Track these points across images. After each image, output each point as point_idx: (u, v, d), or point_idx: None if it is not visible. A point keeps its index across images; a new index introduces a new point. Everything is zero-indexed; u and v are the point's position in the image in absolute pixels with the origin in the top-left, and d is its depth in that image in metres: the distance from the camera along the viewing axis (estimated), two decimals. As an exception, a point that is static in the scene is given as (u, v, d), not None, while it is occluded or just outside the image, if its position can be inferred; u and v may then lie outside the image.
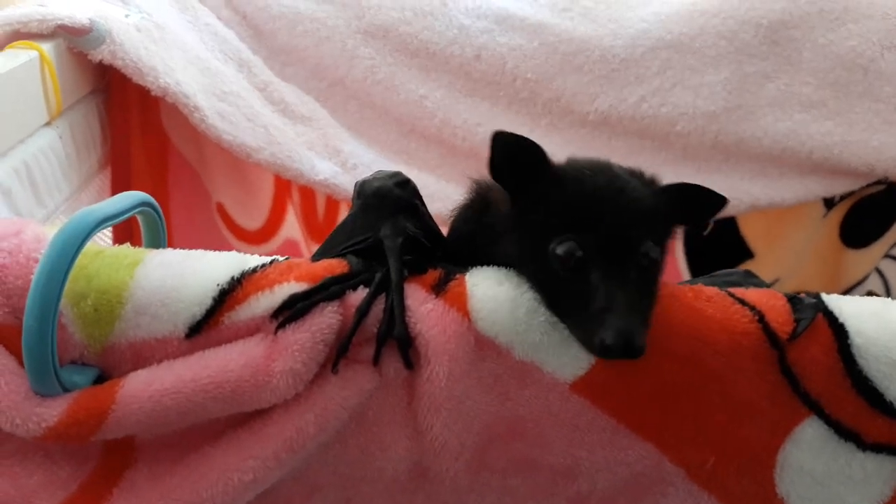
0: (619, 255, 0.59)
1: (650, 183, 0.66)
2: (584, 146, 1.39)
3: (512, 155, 0.62)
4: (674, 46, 1.33)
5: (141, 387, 0.58)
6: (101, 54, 1.17)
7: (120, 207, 0.61)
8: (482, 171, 0.72)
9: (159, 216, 0.69)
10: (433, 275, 0.63)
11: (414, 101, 1.40)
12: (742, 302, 0.62)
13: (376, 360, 0.60)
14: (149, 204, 0.67)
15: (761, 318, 0.62)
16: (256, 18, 1.42)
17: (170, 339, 0.60)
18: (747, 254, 1.45)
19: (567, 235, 0.60)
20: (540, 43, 1.35)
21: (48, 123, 1.13)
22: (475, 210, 0.71)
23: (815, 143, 1.32)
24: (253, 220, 1.51)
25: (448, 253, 0.69)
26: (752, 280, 0.72)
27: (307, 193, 1.45)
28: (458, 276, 0.63)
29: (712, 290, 0.64)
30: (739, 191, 1.37)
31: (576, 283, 0.60)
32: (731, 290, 0.64)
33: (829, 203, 1.41)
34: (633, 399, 0.62)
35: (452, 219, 0.74)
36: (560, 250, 0.60)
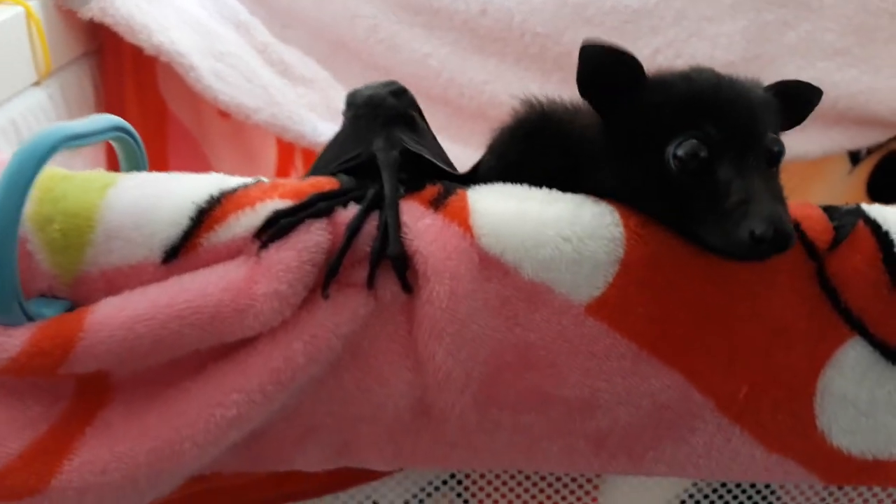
0: (746, 148, 0.55)
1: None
2: None
3: (606, 69, 0.58)
4: (688, -5, 1.27)
5: (112, 313, 0.52)
6: (91, 11, 1.13)
7: (90, 128, 0.56)
8: (490, 132, 0.67)
9: (138, 144, 0.64)
10: (431, 189, 0.58)
11: (418, 60, 1.36)
12: (776, 213, 0.56)
13: (370, 283, 0.54)
14: (125, 129, 0.62)
15: (797, 227, 0.56)
16: (255, -22, 1.38)
17: (145, 265, 0.55)
18: None
19: (686, 135, 0.55)
20: (549, -5, 1.31)
21: (37, 83, 1.09)
22: (527, 133, 0.64)
23: (840, 91, 1.27)
24: (256, 188, 1.47)
25: (477, 182, 0.63)
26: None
27: (310, 160, 1.40)
28: (458, 190, 0.58)
29: (741, 198, 0.58)
30: None
31: (702, 186, 0.55)
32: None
33: (856, 158, 1.38)
34: (655, 321, 0.56)
35: (491, 142, 0.67)
36: (681, 151, 0.55)
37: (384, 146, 0.60)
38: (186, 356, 0.55)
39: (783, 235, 0.51)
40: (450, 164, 0.66)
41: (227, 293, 0.52)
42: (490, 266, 0.55)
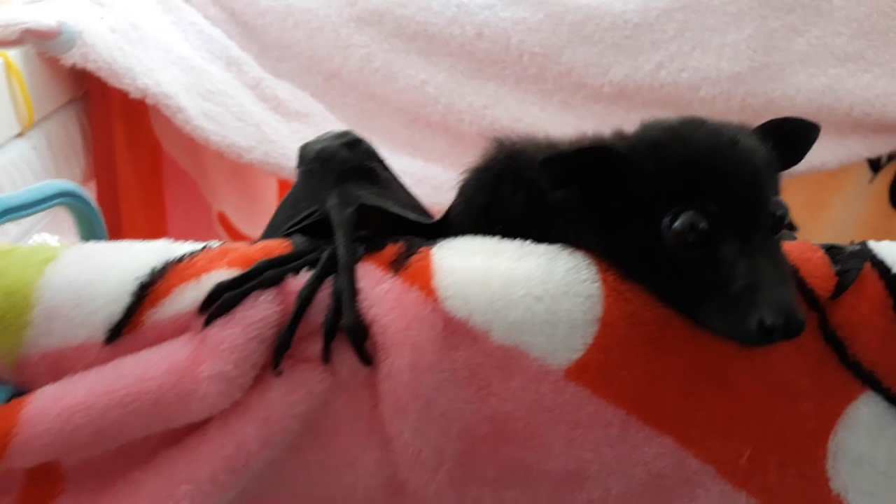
0: (750, 222, 0.50)
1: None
2: (601, 122, 1.30)
3: (571, 176, 0.53)
4: (690, 6, 1.25)
5: (48, 404, 0.49)
6: (73, 58, 1.11)
7: (30, 198, 0.53)
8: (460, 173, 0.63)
9: (90, 209, 0.60)
10: (392, 249, 0.53)
11: (415, 88, 1.34)
12: (769, 258, 0.51)
13: (326, 357, 0.50)
14: (73, 194, 0.58)
15: (794, 273, 0.51)
16: (245, 14, 1.37)
17: (88, 346, 0.51)
18: (787, 226, 1.35)
19: (682, 206, 0.50)
20: (545, 14, 1.28)
21: (20, 134, 1.07)
22: (495, 175, 0.59)
23: (854, 97, 1.23)
24: (257, 228, 1.44)
25: (449, 228, 0.59)
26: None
27: (311, 195, 1.37)
28: (422, 248, 0.53)
29: (733, 247, 0.53)
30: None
31: (701, 264, 0.50)
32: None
33: (876, 166, 1.34)
34: (643, 384, 0.51)
35: (461, 184, 0.62)
36: (678, 225, 0.50)
37: (337, 204, 0.56)
38: (138, 442, 0.51)
39: (795, 324, 0.46)
40: (423, 212, 0.62)
41: (170, 376, 0.48)
42: (456, 332, 0.50)
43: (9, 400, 0.52)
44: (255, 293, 0.50)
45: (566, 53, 1.28)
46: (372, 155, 0.60)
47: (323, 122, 1.33)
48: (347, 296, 0.50)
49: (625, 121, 1.36)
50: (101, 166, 1.25)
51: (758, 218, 0.50)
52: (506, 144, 0.60)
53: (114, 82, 1.13)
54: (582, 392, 0.51)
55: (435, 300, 0.50)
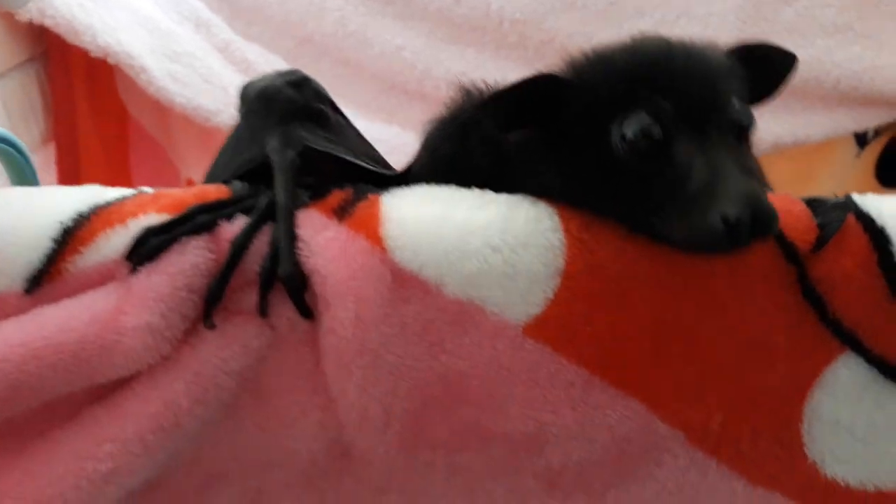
0: (706, 120, 0.47)
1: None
2: None
3: (519, 110, 0.50)
4: (675, -27, 1.21)
5: (-43, 356, 0.44)
6: (29, 13, 1.06)
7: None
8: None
9: (23, 156, 0.56)
10: (338, 196, 0.49)
11: (391, 54, 1.30)
12: (747, 206, 0.48)
13: (262, 310, 0.46)
14: (5, 139, 0.54)
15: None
16: (216, -25, 1.31)
17: (6, 296, 0.47)
18: None
19: (630, 110, 0.47)
20: (526, -21, 1.25)
21: (-27, 93, 1.02)
22: (461, 125, 0.56)
23: (842, 70, 1.20)
24: (228, 194, 1.40)
25: (409, 181, 0.55)
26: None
27: (282, 162, 1.33)
28: (370, 195, 0.49)
29: (707, 195, 0.49)
30: (760, 130, 1.24)
31: (658, 171, 0.47)
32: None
33: (862, 140, 1.32)
34: (607, 342, 0.47)
35: (425, 135, 0.59)
36: (629, 131, 0.47)
37: (278, 146, 0.51)
38: (59, 400, 0.47)
39: (764, 216, 0.43)
40: (381, 163, 0.58)
41: (92, 327, 0.44)
42: (406, 284, 0.46)
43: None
44: (184, 239, 0.46)
45: (548, 20, 1.24)
46: (322, 96, 0.56)
47: (295, 87, 1.29)
48: (285, 243, 0.46)
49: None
50: (62, 128, 1.20)
51: (716, 115, 0.47)
52: (473, 93, 0.56)
53: (73, 40, 1.09)
54: (542, 350, 0.47)
55: (383, 249, 0.46)
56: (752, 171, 0.49)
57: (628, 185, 0.47)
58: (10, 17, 1.07)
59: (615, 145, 0.47)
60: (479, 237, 0.47)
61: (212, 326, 0.46)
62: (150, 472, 0.48)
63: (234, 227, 0.47)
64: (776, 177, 1.34)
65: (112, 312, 0.45)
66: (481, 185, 0.52)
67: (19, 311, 0.47)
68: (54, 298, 0.47)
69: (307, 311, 0.47)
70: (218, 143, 1.37)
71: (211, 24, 1.28)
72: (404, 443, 0.49)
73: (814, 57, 1.21)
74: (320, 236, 0.46)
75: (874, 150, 1.29)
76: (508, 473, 0.51)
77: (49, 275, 0.47)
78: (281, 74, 0.56)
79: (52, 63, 1.18)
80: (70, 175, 1.17)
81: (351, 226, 0.47)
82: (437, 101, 1.38)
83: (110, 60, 1.11)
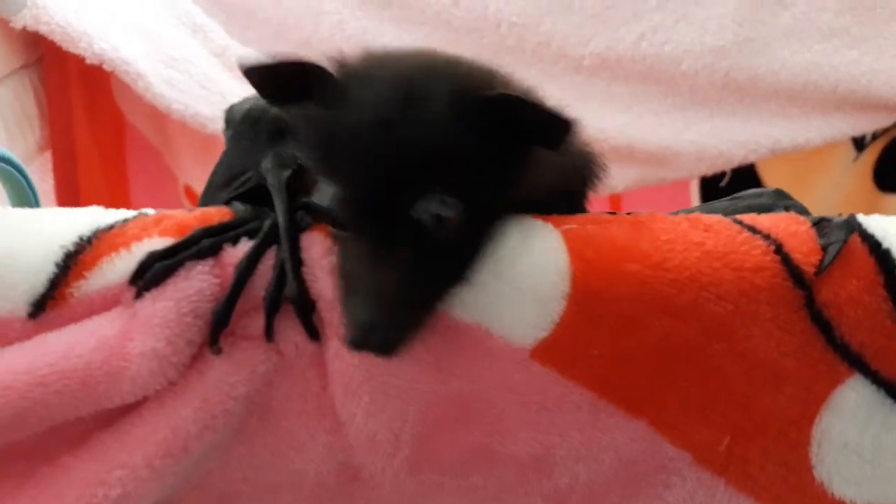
0: (373, 214, 0.43)
1: (468, 94, 0.44)
2: (582, 94, 1.29)
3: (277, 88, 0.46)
4: (673, -24, 1.21)
5: (-39, 383, 0.44)
6: (24, 20, 1.06)
7: (-52, 159, 0.48)
8: None
9: (22, 174, 0.55)
10: (341, 218, 0.49)
11: (389, 57, 1.28)
12: (752, 230, 0.48)
13: (268, 334, 0.46)
14: (2, 158, 0.53)
15: (779, 249, 0.47)
16: (212, -22, 1.31)
17: (10, 321, 0.47)
18: (799, 209, 1.35)
19: (331, 179, 0.44)
20: (524, -18, 1.24)
21: (-32, 101, 1.01)
22: None
23: (840, 74, 1.21)
24: (225, 202, 1.40)
25: None
26: (785, 202, 0.57)
27: (280, 168, 1.33)
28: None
29: (713, 218, 0.49)
30: (758, 134, 1.28)
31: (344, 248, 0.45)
32: (741, 216, 0.49)
33: (860, 144, 1.33)
34: (615, 365, 0.47)
35: None
36: (323, 202, 0.45)
37: (272, 167, 0.51)
38: (66, 424, 0.47)
39: (373, 349, 0.42)
40: None
41: (98, 353, 0.44)
42: (415, 309, 0.46)
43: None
44: (189, 264, 0.45)
45: (546, 23, 1.24)
46: None
47: (292, 93, 1.29)
48: (290, 265, 0.45)
49: (606, 93, 1.34)
50: (58, 136, 1.20)
51: (388, 215, 0.42)
52: None
53: (68, 47, 1.08)
54: (548, 373, 0.47)
55: (390, 275, 0.46)
56: (422, 283, 0.43)
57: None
58: (3, 24, 1.06)
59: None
60: (486, 262, 0.46)
61: (218, 352, 0.46)
62: (160, 495, 0.47)
63: (238, 250, 0.47)
64: (774, 181, 1.35)
65: (118, 338, 0.44)
66: None
67: (23, 336, 0.47)
68: (59, 323, 0.47)
69: (315, 332, 0.46)
70: (215, 149, 1.36)
71: (207, 29, 1.27)
72: (413, 466, 0.49)
73: (811, 61, 1.21)
74: (325, 260, 0.46)
75: (872, 153, 1.30)
76: (517, 495, 0.51)
77: (53, 300, 0.46)
78: None
79: (46, 70, 1.17)
80: (67, 184, 1.17)
81: (355, 250, 0.47)
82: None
83: (106, 67, 1.10)
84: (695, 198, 1.34)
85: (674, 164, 1.27)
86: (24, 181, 0.56)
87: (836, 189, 1.32)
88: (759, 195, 0.59)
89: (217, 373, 0.46)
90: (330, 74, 0.44)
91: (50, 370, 0.44)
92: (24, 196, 0.57)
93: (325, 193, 0.45)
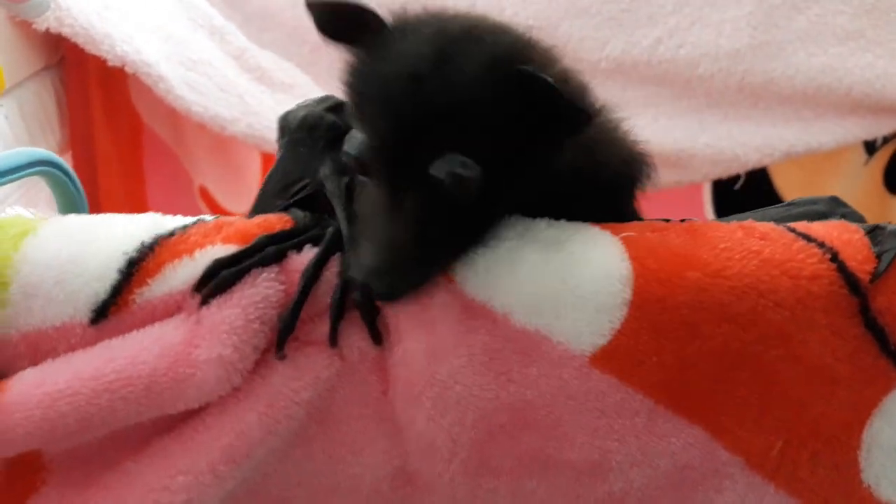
0: (396, 165, 0.44)
1: (502, 63, 0.44)
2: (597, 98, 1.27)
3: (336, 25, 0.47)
4: (689, -20, 1.21)
5: (28, 390, 0.44)
6: (47, 21, 1.05)
7: (5, 166, 0.48)
8: None
9: (70, 178, 0.56)
10: (402, 225, 0.49)
11: (404, 60, 1.28)
12: (807, 238, 0.48)
13: (333, 340, 0.46)
14: (50, 163, 0.53)
15: (834, 257, 0.48)
16: (228, -19, 1.31)
17: (71, 327, 0.47)
18: (853, 216, 1.35)
19: (360, 125, 0.45)
20: (540, -16, 1.24)
21: (-9, 102, 1.01)
22: None
23: (854, 78, 1.21)
24: (240, 203, 1.40)
25: None
26: (842, 209, 0.57)
27: (296, 169, 1.33)
28: (436, 225, 0.49)
29: (766, 226, 0.50)
30: (773, 137, 1.27)
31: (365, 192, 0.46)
32: (794, 224, 0.49)
33: (871, 147, 1.32)
34: (674, 372, 0.48)
35: None
36: (350, 146, 0.45)
37: (330, 173, 0.52)
38: (127, 429, 0.47)
39: (380, 291, 0.43)
40: None
41: (164, 360, 0.44)
42: (474, 315, 0.47)
43: (-17, 385, 0.47)
44: (255, 271, 0.46)
45: (562, 26, 1.24)
46: None
47: (310, 94, 1.28)
48: (356, 272, 0.46)
49: (621, 96, 1.35)
50: (78, 137, 1.19)
51: (406, 168, 0.43)
52: None
53: (91, 49, 1.08)
54: (607, 380, 0.47)
55: (452, 281, 0.47)
56: (430, 236, 0.44)
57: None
58: (26, 26, 1.05)
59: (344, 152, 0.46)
60: (548, 269, 0.47)
61: (283, 357, 0.46)
62: (219, 501, 0.48)
63: (301, 257, 0.47)
64: (786, 185, 1.36)
65: (183, 345, 0.44)
66: None
67: (84, 342, 0.47)
68: (119, 330, 0.47)
69: (379, 337, 0.47)
70: (230, 151, 1.37)
71: (224, 32, 1.27)
72: (469, 471, 0.49)
73: (826, 65, 1.21)
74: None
75: (882, 157, 1.30)
76: (570, 500, 0.51)
77: (115, 306, 0.47)
78: (318, 101, 0.56)
79: (67, 72, 1.17)
80: (87, 184, 1.15)
81: (419, 257, 0.47)
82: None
83: (128, 69, 1.10)
84: (707, 200, 1.34)
85: (688, 167, 1.27)
86: (71, 186, 0.56)
87: (847, 192, 1.32)
88: (814, 202, 0.59)
89: (281, 378, 0.46)
90: (383, 24, 0.45)
91: (116, 376, 0.44)
92: (72, 201, 0.57)
93: (353, 139, 0.45)
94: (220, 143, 1.30)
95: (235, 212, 1.38)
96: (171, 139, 1.34)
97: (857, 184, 1.33)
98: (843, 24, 1.21)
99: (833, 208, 0.58)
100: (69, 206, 0.57)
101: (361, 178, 0.45)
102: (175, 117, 1.26)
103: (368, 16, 0.45)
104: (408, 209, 0.43)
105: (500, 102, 0.44)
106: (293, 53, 1.33)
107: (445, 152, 0.43)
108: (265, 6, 1.31)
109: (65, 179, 0.55)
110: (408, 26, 0.46)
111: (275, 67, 1.28)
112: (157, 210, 1.40)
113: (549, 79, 0.42)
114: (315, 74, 1.32)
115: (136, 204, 1.32)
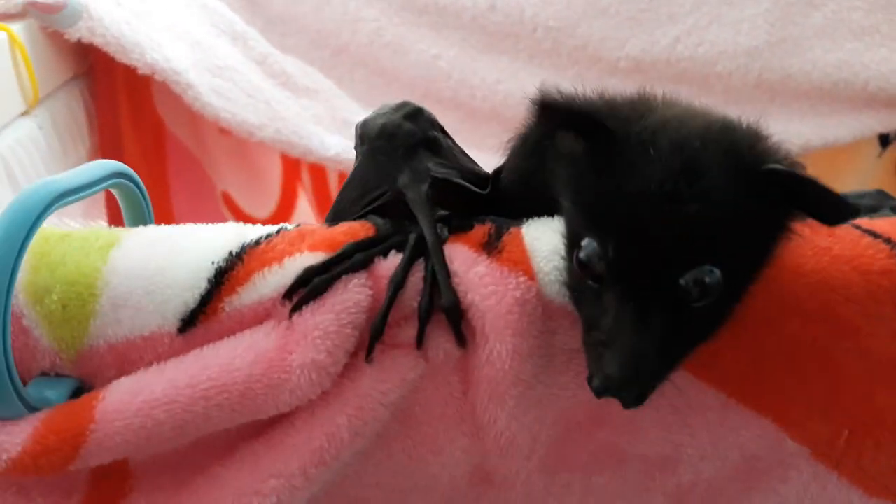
0: (643, 279, 0.43)
1: (755, 158, 0.44)
2: None
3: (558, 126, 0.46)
4: (706, -20, 1.22)
5: (125, 398, 0.46)
6: (79, 32, 1.06)
7: (86, 179, 0.49)
8: (505, 134, 0.58)
9: (140, 189, 0.57)
10: (480, 230, 0.51)
11: (426, 63, 1.31)
12: (873, 234, 0.50)
13: (420, 342, 0.48)
14: (125, 175, 0.55)
15: (896, 246, 0.49)
16: (249, -15, 1.32)
17: (159, 336, 0.48)
18: None
19: (594, 235, 0.44)
20: (560, -15, 1.25)
21: (25, 113, 1.02)
22: (538, 139, 0.52)
23: (871, 72, 1.23)
24: (262, 207, 1.41)
25: (501, 195, 0.56)
26: (890, 202, 0.58)
27: (318, 174, 1.35)
28: (511, 229, 0.51)
29: (830, 223, 0.51)
30: (790, 133, 1.29)
31: (596, 294, 0.45)
32: (859, 221, 0.51)
33: (885, 140, 1.33)
34: (748, 365, 0.49)
35: (508, 150, 0.57)
36: (582, 254, 0.45)
37: (410, 181, 0.53)
38: (213, 435, 0.48)
39: (621, 397, 0.43)
40: (479, 174, 0.59)
41: (258, 366, 0.45)
42: (555, 316, 0.48)
43: (73, 394, 0.49)
44: (345, 277, 0.47)
45: (581, 27, 1.26)
46: (434, 123, 0.57)
47: (333, 98, 1.30)
48: (443, 276, 0.47)
49: (641, 96, 1.36)
50: (107, 145, 1.20)
51: (654, 282, 0.43)
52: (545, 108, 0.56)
53: (121, 58, 1.09)
54: (683, 375, 0.49)
55: (535, 284, 0.48)
56: (674, 347, 0.44)
57: (579, 287, 0.46)
58: (57, 36, 1.06)
59: (574, 256, 0.46)
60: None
61: (371, 361, 0.47)
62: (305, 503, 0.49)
63: (387, 263, 0.48)
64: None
65: (277, 351, 0.46)
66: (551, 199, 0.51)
67: (172, 350, 0.48)
68: (207, 338, 0.48)
69: (463, 340, 0.48)
70: (253, 157, 1.38)
71: (247, 38, 1.28)
72: (546, 467, 0.50)
73: (842, 60, 1.23)
74: (472, 272, 0.48)
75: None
76: (639, 492, 0.52)
77: (204, 315, 0.48)
78: (395, 109, 0.57)
79: (96, 80, 1.18)
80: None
81: (502, 262, 0.48)
82: (471, 110, 1.40)
83: (157, 77, 1.11)
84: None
85: (708, 164, 1.29)
86: (140, 196, 0.58)
87: (861, 184, 1.34)
88: (862, 196, 0.60)
89: (369, 381, 0.47)
90: (610, 132, 0.44)
91: (211, 384, 0.45)
92: (140, 212, 0.58)
93: (585, 247, 0.44)
94: (242, 147, 1.31)
95: (257, 215, 1.39)
96: (193, 145, 1.35)
97: (871, 176, 1.34)
98: (859, 20, 1.23)
99: (881, 201, 0.59)
100: (139, 218, 0.58)
101: (589, 283, 0.45)
102: (197, 123, 1.28)
103: (599, 125, 0.44)
104: (655, 319, 0.43)
105: (749, 207, 0.43)
106: (315, 58, 1.34)
107: (697, 265, 0.43)
108: (287, 11, 1.33)
109: (137, 192, 0.56)
110: (631, 130, 0.44)
111: (298, 73, 1.30)
112: (181, 215, 1.41)
113: (811, 177, 0.42)
114: (337, 78, 1.33)
115: (161, 210, 1.33)
